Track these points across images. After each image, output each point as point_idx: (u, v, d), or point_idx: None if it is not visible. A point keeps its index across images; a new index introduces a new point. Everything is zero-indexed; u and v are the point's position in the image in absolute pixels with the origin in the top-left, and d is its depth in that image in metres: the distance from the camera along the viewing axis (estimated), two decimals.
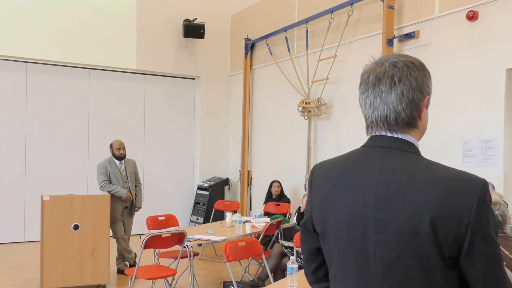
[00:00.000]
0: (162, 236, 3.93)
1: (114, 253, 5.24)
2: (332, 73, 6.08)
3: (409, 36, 5.15)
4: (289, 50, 6.84)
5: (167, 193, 8.09)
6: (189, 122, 8.42)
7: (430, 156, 1.15)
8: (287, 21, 6.96)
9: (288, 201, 6.38)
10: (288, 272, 2.73)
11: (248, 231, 4.69)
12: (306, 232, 1.29)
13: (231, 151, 8.50)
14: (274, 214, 5.95)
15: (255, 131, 7.86)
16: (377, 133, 1.16)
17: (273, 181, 6.53)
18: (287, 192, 6.59)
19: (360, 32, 5.83)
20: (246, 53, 7.85)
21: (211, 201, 7.49)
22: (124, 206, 5.31)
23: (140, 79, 7.98)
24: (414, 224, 1.03)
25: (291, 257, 2.86)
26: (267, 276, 4.10)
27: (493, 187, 3.78)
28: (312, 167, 1.34)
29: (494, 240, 1.04)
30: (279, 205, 6.24)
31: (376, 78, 1.13)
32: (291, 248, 4.43)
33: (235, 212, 5.83)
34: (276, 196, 6.43)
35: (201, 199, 8.00)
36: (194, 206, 8.10)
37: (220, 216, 6.78)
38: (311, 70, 6.42)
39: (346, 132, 5.93)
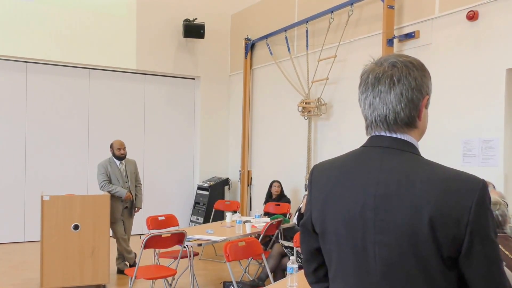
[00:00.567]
0: (162, 236, 3.93)
1: (114, 253, 5.24)
2: (332, 73, 6.07)
3: (409, 36, 5.15)
4: (289, 50, 6.84)
5: (167, 193, 8.09)
6: (189, 122, 8.42)
7: (430, 156, 1.15)
8: (287, 21, 6.96)
9: (288, 201, 6.38)
10: (288, 272, 2.73)
11: (248, 231, 4.69)
12: (306, 232, 1.29)
13: (231, 151, 8.50)
14: (274, 214, 5.94)
15: (255, 131, 7.86)
16: (377, 133, 1.16)
17: (273, 181, 6.53)
18: (287, 192, 6.59)
19: (360, 32, 5.83)
20: (246, 53, 7.85)
21: (211, 201, 7.49)
22: (124, 206, 5.31)
23: (140, 79, 7.98)
24: (413, 224, 1.03)
25: (291, 257, 2.86)
26: (267, 276, 4.10)
27: (494, 187, 3.78)
28: (312, 167, 1.34)
29: (494, 240, 1.04)
30: (279, 205, 6.24)
31: (375, 78, 1.14)
32: (291, 248, 4.43)
33: (235, 212, 5.83)
34: (276, 196, 6.43)
35: (201, 199, 8.00)
36: (194, 206, 8.10)
37: (220, 216, 6.78)
38: (311, 70, 6.42)
39: (346, 132, 5.93)
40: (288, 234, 5.32)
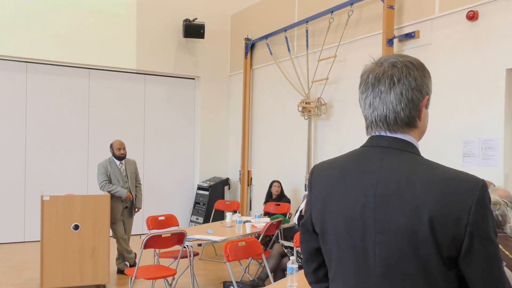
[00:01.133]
0: (162, 236, 3.93)
1: (114, 253, 5.24)
2: (332, 73, 6.07)
3: (409, 36, 5.15)
4: (289, 50, 6.84)
5: (167, 193, 8.09)
6: (189, 122, 8.42)
7: (430, 156, 1.15)
8: (287, 21, 6.96)
9: (288, 201, 6.38)
10: (288, 272, 2.73)
11: (248, 231, 4.69)
12: (306, 232, 1.29)
13: (231, 151, 8.50)
14: (274, 214, 5.94)
15: (255, 131, 7.86)
16: (377, 133, 1.16)
17: (273, 181, 6.53)
18: (287, 192, 6.59)
19: (360, 32, 5.83)
20: (246, 53, 7.85)
21: (211, 201, 7.49)
22: (124, 206, 5.31)
23: (140, 79, 7.98)
24: (413, 224, 1.03)
25: (291, 257, 2.86)
26: (267, 276, 4.10)
27: (495, 186, 3.77)
28: (312, 167, 1.34)
29: (493, 240, 1.04)
30: (279, 205, 6.24)
31: (375, 78, 1.14)
32: (291, 248, 4.43)
33: (235, 212, 5.83)
34: (276, 196, 6.43)
35: (201, 199, 8.00)
36: (194, 206, 8.10)
37: (220, 216, 6.78)
38: (311, 70, 6.42)
39: (346, 132, 5.93)
40: (288, 234, 5.32)
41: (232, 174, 8.33)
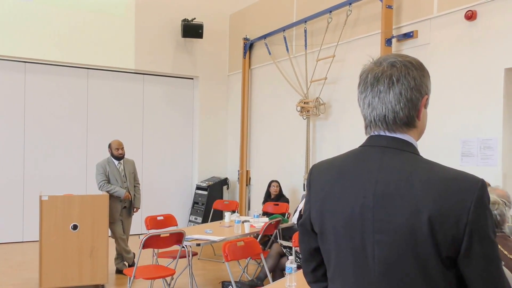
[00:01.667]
0: (161, 236, 3.93)
1: (112, 253, 5.24)
2: (330, 73, 6.07)
3: (408, 35, 5.15)
4: (287, 49, 6.84)
5: (165, 193, 8.08)
6: (187, 122, 8.41)
7: (429, 155, 1.15)
8: (285, 21, 6.96)
9: (286, 201, 6.38)
10: (286, 271, 2.73)
11: (246, 231, 4.68)
12: (305, 232, 1.29)
13: (229, 151, 8.50)
14: (272, 214, 5.94)
15: (254, 131, 7.86)
16: (376, 133, 1.16)
17: (272, 181, 6.53)
18: (285, 192, 6.59)
19: (358, 31, 5.83)
20: (244, 53, 7.85)
21: (210, 201, 7.49)
22: (123, 206, 5.30)
23: (139, 79, 7.97)
24: (412, 224, 1.03)
25: (289, 257, 2.86)
26: (266, 276, 4.09)
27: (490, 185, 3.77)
28: (310, 166, 1.34)
29: (493, 240, 1.04)
30: (277, 205, 6.23)
31: (374, 78, 1.14)
32: (290, 248, 4.43)
33: (233, 212, 5.82)
34: (274, 196, 6.43)
35: (199, 199, 8.00)
36: (193, 206, 8.10)
37: (218, 216, 6.77)
38: (310, 69, 6.42)
39: (345, 132, 5.94)
40: (286, 234, 5.32)
41: (230, 174, 8.33)
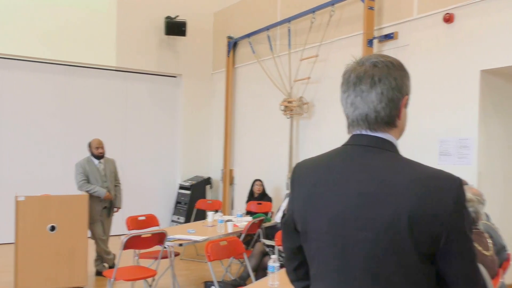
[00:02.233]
0: (142, 236, 3.90)
1: (92, 255, 5.16)
2: (314, 72, 6.12)
3: (389, 37, 5.23)
4: (271, 49, 6.85)
5: (147, 193, 8.01)
6: (171, 120, 8.36)
7: (408, 154, 1.17)
8: (269, 20, 6.98)
9: (270, 200, 6.40)
10: (269, 270, 2.74)
11: (230, 231, 4.68)
12: (288, 231, 1.29)
13: (213, 150, 8.48)
14: (256, 213, 5.95)
15: (238, 129, 7.86)
16: (358, 132, 1.17)
17: (255, 180, 6.54)
18: (269, 191, 6.61)
19: (341, 32, 5.88)
20: (228, 52, 7.84)
21: (193, 200, 7.45)
22: (103, 206, 5.24)
23: (121, 76, 7.88)
24: (393, 222, 1.05)
25: (272, 256, 2.87)
26: (249, 275, 4.10)
27: (467, 184, 3.86)
28: (293, 165, 1.35)
29: (469, 237, 1.07)
30: (261, 204, 6.25)
31: (357, 78, 1.15)
32: (273, 246, 4.45)
33: (217, 211, 5.81)
34: (258, 195, 6.44)
35: (182, 198, 7.95)
36: (176, 206, 8.05)
37: (201, 215, 6.74)
38: (293, 69, 6.45)
39: (328, 131, 5.98)
40: (270, 232, 5.33)
41: (214, 173, 8.31)
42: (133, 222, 4.82)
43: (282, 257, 4.10)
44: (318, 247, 1.18)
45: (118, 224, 6.61)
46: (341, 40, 5.89)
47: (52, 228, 4.49)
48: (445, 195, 1.04)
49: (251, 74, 7.52)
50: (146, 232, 4.03)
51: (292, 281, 1.35)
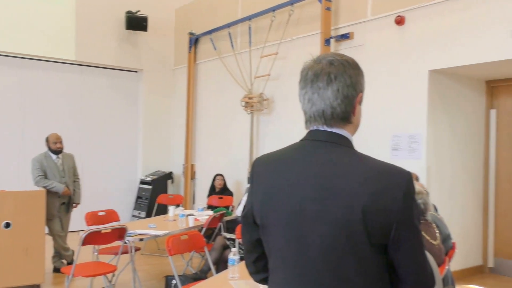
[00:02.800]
0: (102, 232, 3.78)
1: (50, 251, 4.97)
2: (273, 69, 6.15)
3: (345, 36, 5.34)
4: (232, 46, 6.82)
5: (108, 188, 7.79)
6: (132, 115, 8.15)
7: (363, 149, 1.20)
8: (230, 18, 6.94)
9: (231, 194, 6.39)
10: (229, 263, 2.73)
11: (191, 225, 4.63)
12: (247, 224, 1.29)
13: (174, 145, 8.35)
14: (217, 207, 5.92)
15: (199, 125, 7.78)
16: (315, 128, 1.19)
17: (217, 175, 6.51)
18: (230, 185, 6.59)
19: (300, 31, 5.94)
20: (190, 48, 7.73)
21: (154, 195, 7.32)
22: (61, 202, 5.04)
23: (79, 70, 7.59)
24: (348, 214, 1.07)
25: (232, 249, 2.87)
26: (210, 269, 4.08)
27: (417, 178, 4.03)
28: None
29: (418, 228, 1.10)
30: (222, 198, 6.23)
31: (314, 75, 1.16)
32: (234, 240, 4.45)
33: (178, 206, 5.74)
34: (219, 189, 6.42)
35: (143, 193, 7.79)
36: (136, 201, 7.88)
37: (163, 210, 6.63)
38: (254, 66, 6.46)
39: (287, 126, 6.04)
40: (230, 226, 5.33)
41: (175, 168, 8.19)
42: (93, 218, 4.67)
43: (242, 250, 4.11)
44: (277, 240, 1.18)
45: (77, 220, 6.39)
46: (299, 39, 5.94)
47: (7, 225, 4.27)
48: (396, 188, 1.07)
49: (212, 70, 7.45)
50: (105, 227, 3.91)
51: (251, 274, 1.35)
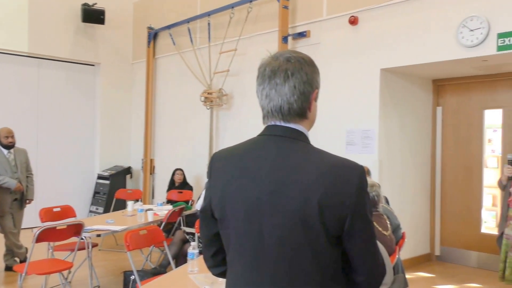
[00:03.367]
0: (57, 228, 3.62)
1: (2, 249, 4.71)
2: (232, 65, 6.12)
3: (302, 35, 5.39)
4: (192, 41, 6.72)
5: (64, 183, 7.48)
6: (89, 109, 7.85)
7: (319, 144, 1.21)
8: (190, 13, 6.82)
9: (190, 188, 6.32)
10: (189, 257, 2.70)
11: (150, 219, 4.54)
12: (205, 218, 1.28)
13: (133, 140, 8.14)
14: (176, 202, 5.84)
15: (158, 119, 7.62)
16: (272, 123, 1.19)
17: (176, 169, 6.41)
18: (190, 180, 6.51)
19: (258, 28, 5.94)
20: (149, 42, 7.54)
21: (112, 190, 7.10)
22: (13, 198, 4.78)
23: (34, 63, 7.21)
24: (304, 207, 1.07)
25: (192, 243, 2.84)
26: (169, 263, 4.02)
27: (369, 172, 4.15)
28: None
29: (370, 220, 1.13)
30: (181, 192, 6.14)
31: (271, 72, 1.16)
32: (193, 234, 4.40)
33: (137, 201, 5.60)
34: (179, 184, 6.32)
35: (101, 188, 7.55)
36: (94, 196, 7.62)
37: (121, 205, 6.44)
38: (213, 61, 6.39)
39: (246, 122, 6.04)
40: (190, 220, 5.27)
41: (134, 163, 7.99)
42: (47, 214, 4.46)
43: (201, 244, 4.07)
44: (235, 234, 1.18)
45: (32, 217, 6.10)
46: (258, 36, 5.94)
47: None
48: (349, 182, 1.09)
49: (172, 65, 7.31)
50: (61, 223, 3.75)
51: (210, 267, 1.34)
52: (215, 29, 6.46)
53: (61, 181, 7.44)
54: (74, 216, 4.77)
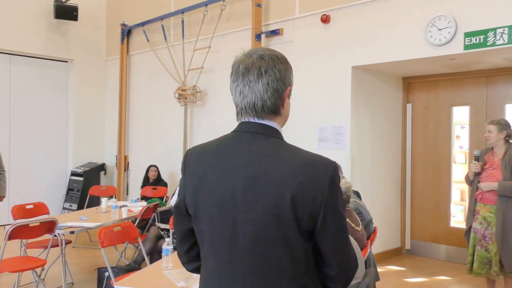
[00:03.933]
0: (30, 225, 3.50)
1: None
2: (206, 62, 6.05)
3: (275, 32, 5.38)
4: (165, 38, 6.60)
5: (37, 180, 7.23)
6: (61, 106, 7.61)
7: (292, 140, 1.20)
8: (163, 10, 6.70)
9: (165, 184, 6.23)
10: (163, 253, 2.66)
11: (124, 216, 4.44)
12: (179, 214, 1.26)
13: (107, 137, 7.95)
14: (151, 198, 5.75)
15: (132, 116, 7.47)
16: (246, 119, 1.18)
17: (150, 166, 6.30)
18: (164, 176, 6.42)
19: (232, 26, 5.90)
20: (122, 39, 7.36)
21: (86, 187, 6.92)
22: None
23: (5, 59, 6.92)
24: (277, 202, 1.07)
25: (166, 239, 2.79)
26: (144, 259, 3.95)
27: (340, 168, 4.18)
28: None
29: (343, 215, 1.13)
30: (156, 189, 6.05)
31: (245, 69, 1.16)
32: (168, 230, 4.34)
33: (111, 197, 5.48)
34: (153, 180, 6.22)
35: (75, 185, 7.35)
36: (68, 193, 7.41)
37: (95, 202, 6.29)
38: (187, 58, 6.31)
39: (220, 118, 6.00)
40: (164, 216, 5.21)
41: (108, 159, 7.81)
42: (20, 211, 4.30)
43: (176, 239, 4.02)
44: (208, 229, 1.17)
45: (3, 214, 5.88)
46: (231, 33, 5.90)
47: None
48: (322, 178, 1.09)
49: (146, 62, 7.17)
50: (34, 220, 3.62)
51: (184, 263, 1.32)
52: (188, 27, 6.37)
53: (34, 178, 7.19)
54: (47, 213, 4.62)
